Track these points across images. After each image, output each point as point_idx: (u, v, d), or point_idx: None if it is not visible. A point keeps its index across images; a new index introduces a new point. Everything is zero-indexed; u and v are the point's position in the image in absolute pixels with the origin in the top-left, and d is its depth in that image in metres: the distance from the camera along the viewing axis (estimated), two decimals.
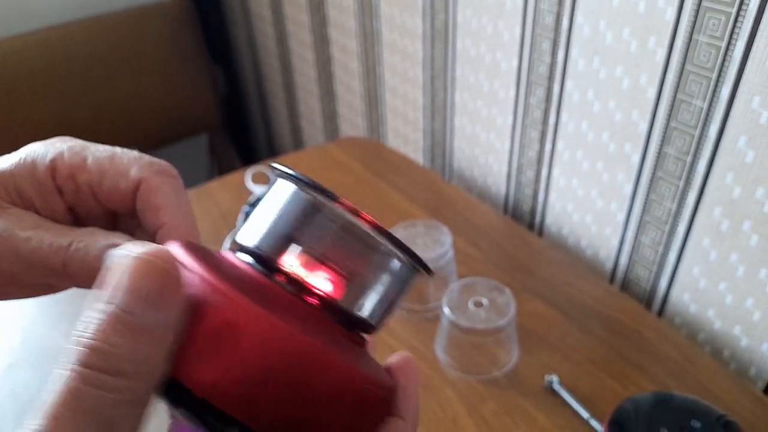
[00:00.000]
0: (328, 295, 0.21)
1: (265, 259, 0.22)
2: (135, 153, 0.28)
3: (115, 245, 0.21)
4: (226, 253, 0.23)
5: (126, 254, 0.18)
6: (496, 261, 0.77)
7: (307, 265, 0.21)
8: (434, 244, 0.71)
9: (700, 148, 0.62)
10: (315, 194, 0.22)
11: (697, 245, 0.67)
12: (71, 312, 0.72)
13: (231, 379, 0.18)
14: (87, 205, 0.28)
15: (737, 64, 0.55)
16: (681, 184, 0.66)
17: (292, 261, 0.21)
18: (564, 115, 0.76)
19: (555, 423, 0.57)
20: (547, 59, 0.75)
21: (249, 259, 0.22)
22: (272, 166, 0.23)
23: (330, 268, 0.21)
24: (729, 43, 0.55)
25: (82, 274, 0.24)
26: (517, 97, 0.82)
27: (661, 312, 0.75)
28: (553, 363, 0.63)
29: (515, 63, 0.80)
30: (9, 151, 0.28)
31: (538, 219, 0.89)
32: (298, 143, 1.55)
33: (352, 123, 1.26)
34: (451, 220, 0.84)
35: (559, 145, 0.79)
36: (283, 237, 0.22)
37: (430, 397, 0.60)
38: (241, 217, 0.86)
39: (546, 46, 0.74)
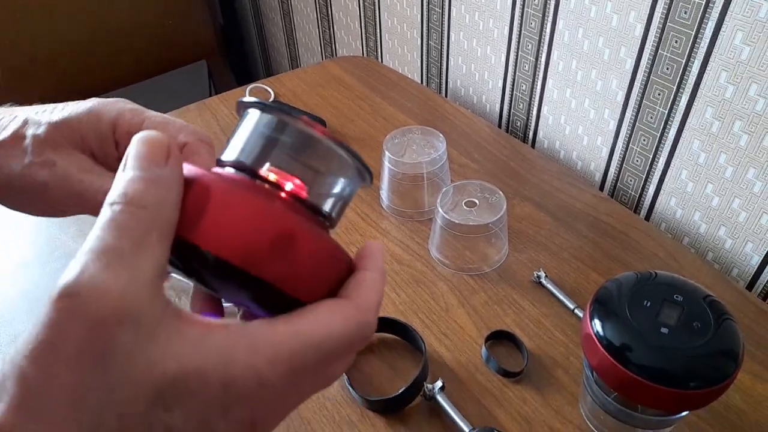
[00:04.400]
0: (297, 192, 0.25)
1: (249, 169, 0.25)
2: (182, 122, 0.34)
3: None
4: (218, 168, 0.26)
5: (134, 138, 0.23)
6: (488, 169, 0.75)
7: (279, 171, 0.25)
8: (429, 148, 0.69)
9: (695, 47, 0.59)
10: (281, 114, 0.25)
11: (687, 149, 0.65)
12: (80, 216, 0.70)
13: (231, 238, 0.22)
14: None
15: None
16: (674, 86, 0.63)
17: (268, 168, 0.25)
18: (560, 23, 0.73)
19: (541, 312, 0.56)
20: None
21: (234, 170, 0.25)
22: (241, 101, 0.25)
23: (297, 172, 0.25)
24: None
25: None
26: (513, 7, 0.78)
27: (647, 218, 0.74)
28: (541, 260, 0.62)
29: None
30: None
31: (530, 133, 0.86)
32: (295, 68, 1.50)
33: (350, 46, 1.22)
34: (446, 132, 0.81)
35: (554, 55, 0.76)
36: (260, 150, 0.25)
37: (424, 290, 0.59)
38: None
39: None
